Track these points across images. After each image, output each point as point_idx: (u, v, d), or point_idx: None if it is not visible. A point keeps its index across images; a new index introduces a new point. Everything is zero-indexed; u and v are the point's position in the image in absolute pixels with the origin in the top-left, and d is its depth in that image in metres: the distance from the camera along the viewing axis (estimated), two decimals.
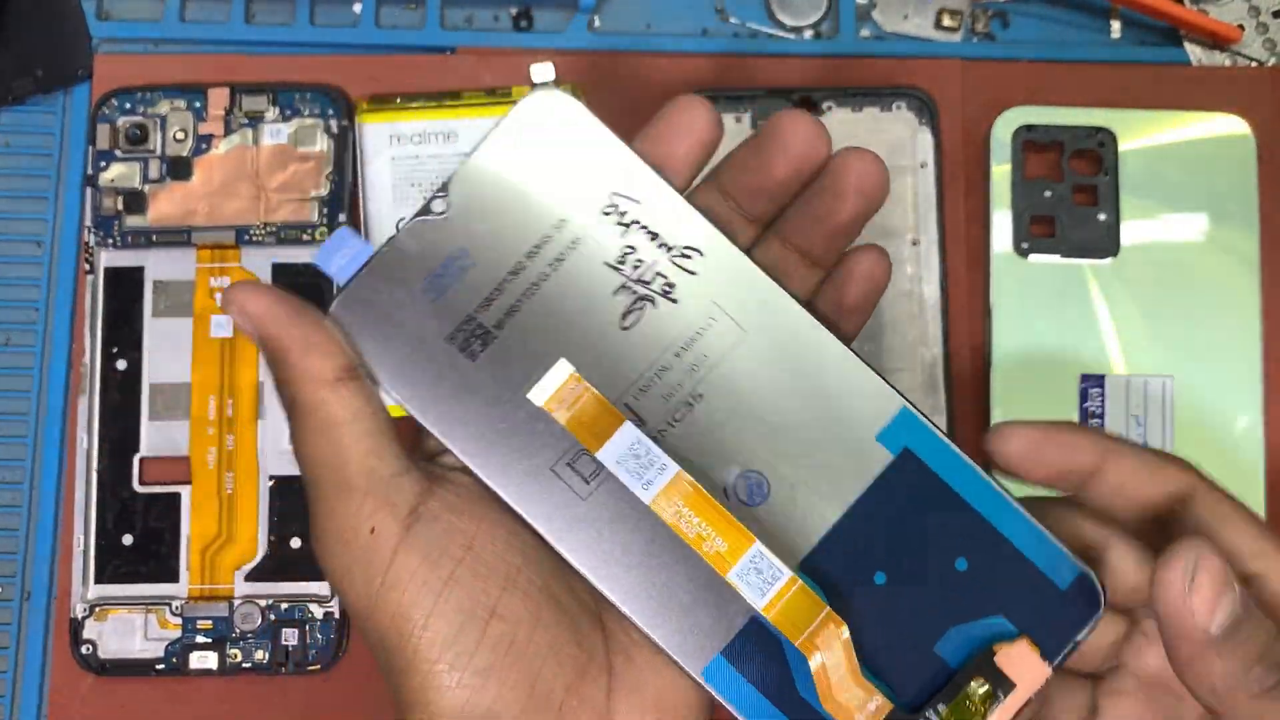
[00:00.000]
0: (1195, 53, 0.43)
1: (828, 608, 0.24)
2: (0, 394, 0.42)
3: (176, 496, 0.40)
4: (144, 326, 0.41)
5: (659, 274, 0.25)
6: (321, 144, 0.41)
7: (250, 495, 0.40)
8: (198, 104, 0.41)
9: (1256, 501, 0.39)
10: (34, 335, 0.42)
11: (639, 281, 0.25)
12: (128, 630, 0.39)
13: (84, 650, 0.39)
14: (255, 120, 0.41)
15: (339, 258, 0.25)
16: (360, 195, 0.41)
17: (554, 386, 0.25)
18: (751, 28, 0.44)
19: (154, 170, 0.41)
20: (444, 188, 0.26)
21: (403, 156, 0.41)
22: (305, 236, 0.41)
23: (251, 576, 0.40)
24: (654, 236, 0.25)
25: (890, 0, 0.44)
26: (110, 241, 0.41)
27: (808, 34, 0.44)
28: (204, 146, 0.41)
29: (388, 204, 0.41)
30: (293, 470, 0.40)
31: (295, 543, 0.40)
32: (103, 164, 0.41)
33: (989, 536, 0.25)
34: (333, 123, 0.41)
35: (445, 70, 0.43)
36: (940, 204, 0.41)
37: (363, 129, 0.41)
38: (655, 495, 0.25)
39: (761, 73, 0.42)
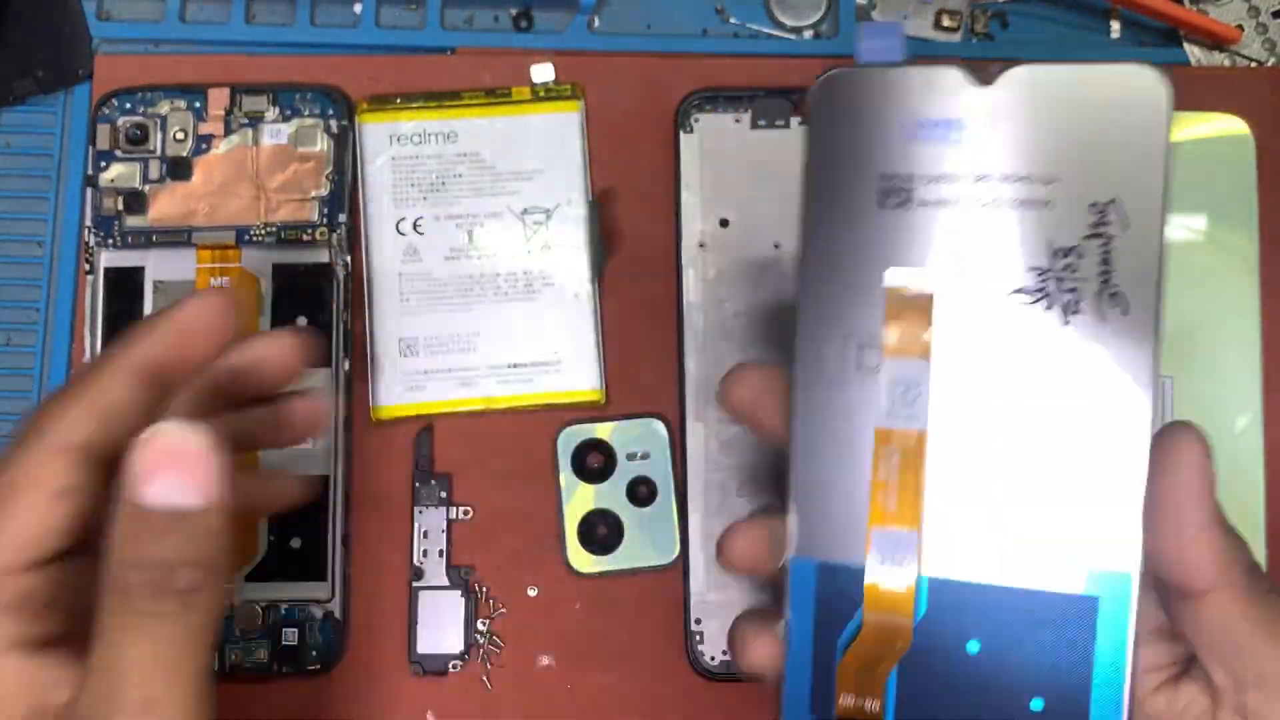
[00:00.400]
0: (1195, 53, 0.43)
1: None
2: (0, 394, 0.42)
3: None
4: None
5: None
6: (321, 144, 0.41)
7: None
8: (198, 104, 0.41)
9: (1256, 501, 0.39)
10: (34, 335, 0.42)
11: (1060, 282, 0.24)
12: None
13: None
14: (255, 120, 0.41)
15: (875, 42, 0.25)
16: (360, 195, 0.41)
17: (909, 280, 0.25)
18: (751, 28, 0.44)
19: (154, 170, 0.41)
20: (1011, 70, 0.24)
21: (403, 156, 0.42)
22: (305, 236, 0.41)
23: (252, 577, 0.40)
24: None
25: (890, 1, 0.44)
26: (110, 241, 0.41)
27: (808, 34, 0.44)
28: (204, 146, 0.41)
29: (388, 204, 0.41)
30: (291, 471, 0.40)
31: (295, 543, 0.40)
32: (103, 164, 0.41)
33: None
34: (333, 123, 0.41)
35: (445, 70, 0.43)
36: None
37: (363, 129, 0.42)
38: (892, 428, 0.24)
39: (761, 73, 0.42)
